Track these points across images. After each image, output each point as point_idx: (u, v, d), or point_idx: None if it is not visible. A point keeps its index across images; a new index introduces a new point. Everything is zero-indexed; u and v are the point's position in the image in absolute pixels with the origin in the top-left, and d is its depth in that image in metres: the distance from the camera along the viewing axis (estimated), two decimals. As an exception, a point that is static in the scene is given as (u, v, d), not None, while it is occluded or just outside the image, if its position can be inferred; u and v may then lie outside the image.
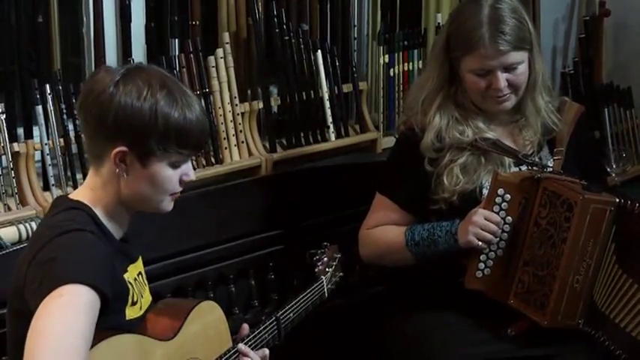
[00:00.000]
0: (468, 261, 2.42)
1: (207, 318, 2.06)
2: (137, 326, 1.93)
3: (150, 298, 2.04)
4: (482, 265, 2.42)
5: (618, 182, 3.55)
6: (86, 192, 1.93)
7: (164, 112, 1.85)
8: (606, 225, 2.35)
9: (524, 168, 2.50)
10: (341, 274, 2.53)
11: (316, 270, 2.44)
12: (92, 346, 1.71)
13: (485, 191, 2.46)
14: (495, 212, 2.40)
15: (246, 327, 2.14)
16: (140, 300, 1.96)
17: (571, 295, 2.36)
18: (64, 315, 1.67)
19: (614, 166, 3.66)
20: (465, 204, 2.46)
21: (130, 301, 1.91)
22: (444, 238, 2.45)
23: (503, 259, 2.42)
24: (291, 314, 2.25)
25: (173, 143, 1.87)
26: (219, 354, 2.01)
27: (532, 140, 2.54)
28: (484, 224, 2.38)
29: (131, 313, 1.91)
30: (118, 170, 1.87)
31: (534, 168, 2.45)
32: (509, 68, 2.44)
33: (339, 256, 2.53)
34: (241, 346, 2.05)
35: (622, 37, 3.99)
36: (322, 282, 2.41)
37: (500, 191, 2.40)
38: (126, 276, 1.92)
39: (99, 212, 1.91)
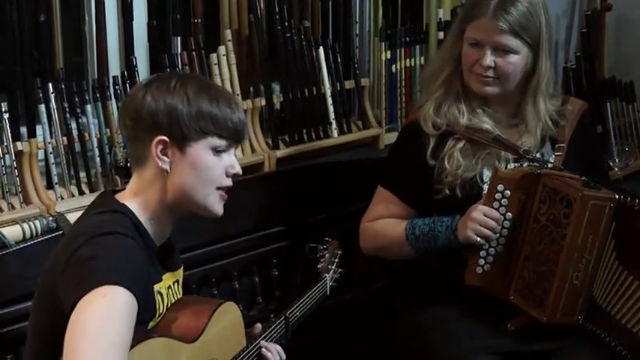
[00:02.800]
0: (468, 257, 2.43)
1: (227, 319, 2.06)
2: (161, 325, 1.94)
3: None
4: (482, 262, 2.42)
5: (621, 176, 3.55)
6: (130, 196, 1.94)
7: (195, 96, 1.90)
8: (606, 221, 2.34)
9: (525, 164, 2.49)
10: (341, 270, 2.53)
11: (319, 267, 2.44)
12: None
13: (486, 186, 2.46)
14: (495, 208, 2.40)
15: (259, 326, 2.16)
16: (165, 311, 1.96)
17: (570, 292, 2.36)
18: (107, 314, 1.68)
19: (616, 161, 3.66)
20: (467, 197, 2.46)
21: (157, 312, 1.91)
22: (444, 234, 2.46)
23: (504, 255, 2.42)
24: (298, 313, 2.27)
25: (209, 123, 1.90)
26: (234, 353, 2.03)
27: (531, 147, 2.52)
28: (483, 220, 2.38)
29: (152, 323, 1.92)
30: (161, 164, 1.89)
31: (535, 164, 2.45)
32: (500, 50, 2.45)
33: (340, 252, 2.54)
34: (263, 343, 2.10)
35: (624, 32, 3.99)
36: (325, 280, 2.42)
37: (500, 187, 2.39)
38: (157, 286, 1.93)
39: (142, 217, 1.91)
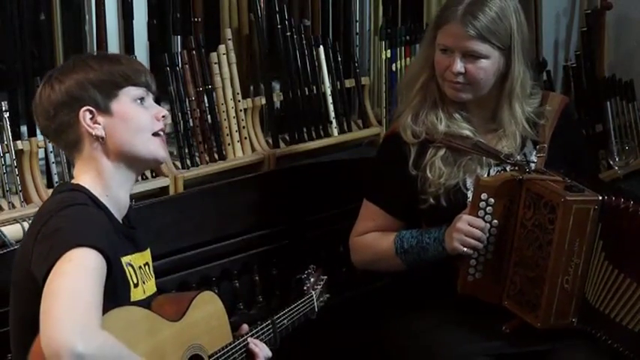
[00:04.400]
0: (458, 267, 2.42)
1: (210, 307, 2.10)
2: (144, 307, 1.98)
3: (154, 289, 2.07)
4: (472, 270, 2.41)
5: (621, 175, 3.55)
6: (79, 177, 2.00)
7: (97, 63, 2.00)
8: (591, 224, 2.33)
9: (507, 168, 2.48)
10: (328, 295, 2.54)
11: (305, 288, 2.46)
12: (104, 314, 1.74)
13: (470, 193, 2.45)
14: (480, 217, 2.38)
15: (245, 327, 2.20)
16: (142, 285, 1.99)
17: (562, 296, 2.35)
18: (76, 275, 1.72)
19: (616, 159, 3.66)
20: (452, 205, 2.45)
21: (131, 282, 1.94)
22: (432, 246, 2.45)
23: (493, 262, 2.42)
24: (285, 321, 2.30)
25: (119, 77, 1.99)
26: (221, 344, 2.06)
27: (511, 150, 2.50)
28: (468, 230, 2.36)
29: (135, 295, 1.95)
30: (95, 132, 1.96)
31: (517, 168, 2.44)
32: (469, 56, 2.43)
33: (325, 277, 2.54)
34: (250, 339, 2.14)
35: (624, 30, 3.99)
36: (312, 296, 2.45)
37: (484, 196, 2.38)
38: (126, 258, 1.96)
39: (96, 192, 1.97)
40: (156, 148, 2.02)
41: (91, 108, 1.96)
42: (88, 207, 1.90)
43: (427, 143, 2.51)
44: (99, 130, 1.97)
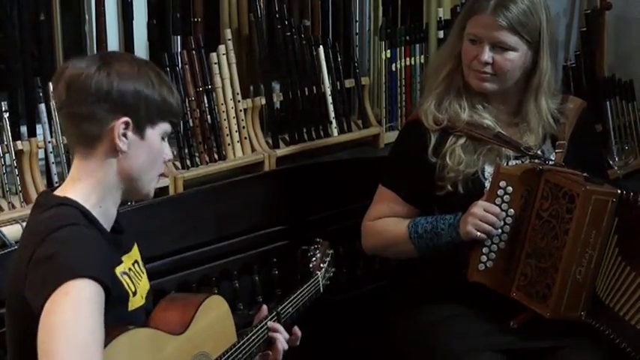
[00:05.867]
0: (470, 254, 2.43)
1: (215, 313, 2.09)
2: (146, 318, 1.96)
3: (147, 286, 2.04)
4: (484, 258, 2.43)
5: (620, 175, 3.55)
6: (71, 185, 1.91)
7: (158, 82, 1.92)
8: (608, 216, 2.35)
9: (526, 160, 2.50)
10: (334, 269, 2.54)
11: (311, 265, 2.45)
12: (107, 340, 1.72)
13: (487, 182, 2.47)
14: (497, 205, 2.40)
15: (265, 308, 2.20)
16: (138, 290, 1.97)
17: (573, 287, 2.37)
18: (73, 310, 1.68)
19: (616, 159, 3.65)
20: (469, 192, 2.47)
21: (130, 292, 1.92)
22: (446, 231, 2.46)
23: (506, 251, 2.43)
24: (290, 309, 2.28)
25: (167, 110, 1.93)
26: (225, 348, 2.04)
27: (532, 144, 2.53)
28: (483, 215, 2.39)
29: (134, 303, 1.93)
30: (121, 145, 1.88)
31: (536, 160, 2.46)
32: (498, 47, 2.47)
33: (331, 251, 2.54)
34: (270, 323, 2.15)
35: (623, 30, 3.99)
36: (318, 277, 2.43)
37: (502, 184, 2.41)
38: (118, 269, 1.92)
39: (87, 203, 1.89)
40: (153, 187, 1.98)
41: (129, 121, 1.88)
42: (80, 227, 1.82)
43: (448, 131, 2.53)
44: (124, 145, 1.88)
